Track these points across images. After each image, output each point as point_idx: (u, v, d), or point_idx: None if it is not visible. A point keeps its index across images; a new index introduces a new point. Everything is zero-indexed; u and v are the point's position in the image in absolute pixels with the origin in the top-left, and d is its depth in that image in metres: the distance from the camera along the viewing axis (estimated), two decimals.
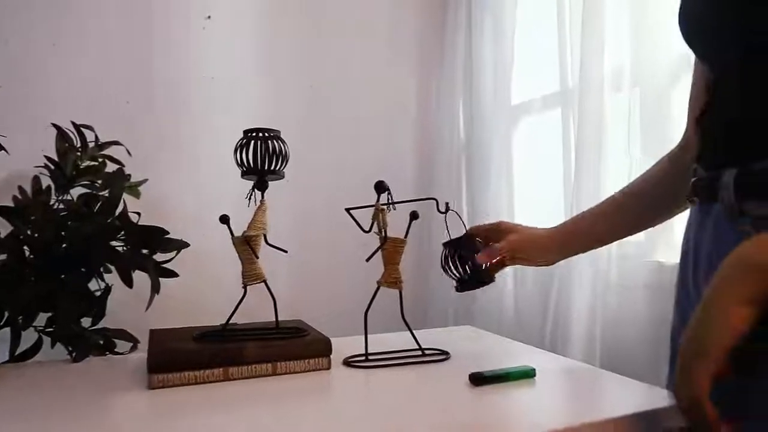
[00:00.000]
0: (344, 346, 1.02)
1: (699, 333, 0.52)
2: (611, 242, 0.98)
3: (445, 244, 0.99)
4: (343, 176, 1.72)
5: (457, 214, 0.99)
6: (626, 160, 1.23)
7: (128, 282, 1.07)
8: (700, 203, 0.68)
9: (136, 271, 1.10)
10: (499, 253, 0.94)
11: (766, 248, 0.51)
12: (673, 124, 1.13)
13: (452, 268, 0.96)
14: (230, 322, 0.97)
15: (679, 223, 1.10)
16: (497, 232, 0.97)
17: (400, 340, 1.02)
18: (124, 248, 1.10)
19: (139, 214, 1.16)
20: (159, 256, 1.13)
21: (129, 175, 1.21)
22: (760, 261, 0.50)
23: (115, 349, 1.12)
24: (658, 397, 0.77)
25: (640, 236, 1.05)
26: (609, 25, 1.26)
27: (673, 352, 0.76)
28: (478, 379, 0.81)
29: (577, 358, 1.22)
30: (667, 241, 1.17)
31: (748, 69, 0.60)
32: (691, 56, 0.80)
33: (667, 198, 0.84)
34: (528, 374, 0.85)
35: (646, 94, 1.20)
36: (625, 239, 0.96)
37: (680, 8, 0.72)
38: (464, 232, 1.00)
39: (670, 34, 1.11)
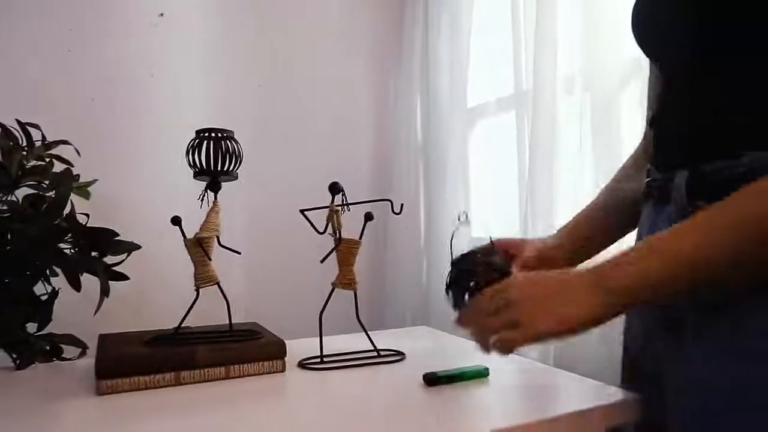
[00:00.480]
0: (300, 348, 1.01)
1: (542, 308, 0.58)
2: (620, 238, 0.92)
3: (452, 264, 0.83)
4: (299, 177, 1.71)
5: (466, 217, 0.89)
6: (578, 161, 1.26)
7: (76, 285, 1.04)
8: (653, 203, 0.70)
9: (85, 275, 1.07)
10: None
11: (620, 274, 0.56)
12: (622, 126, 1.17)
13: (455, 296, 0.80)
14: (183, 325, 0.95)
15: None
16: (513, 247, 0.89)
17: (356, 342, 1.02)
18: (72, 251, 1.07)
19: (87, 215, 1.13)
20: (110, 259, 1.10)
21: (78, 176, 1.17)
22: (609, 286, 0.56)
23: (63, 355, 1.09)
24: (606, 394, 0.79)
25: None
26: (561, 31, 1.29)
27: (625, 349, 0.78)
28: (432, 380, 0.81)
29: (532, 357, 1.24)
30: (617, 245, 1.20)
31: (698, 72, 0.61)
32: (644, 60, 0.82)
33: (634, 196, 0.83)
34: (481, 374, 0.86)
35: (597, 98, 1.23)
36: None
37: (634, 11, 0.73)
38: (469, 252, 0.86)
39: (620, 41, 1.15)
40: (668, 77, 0.69)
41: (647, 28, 0.70)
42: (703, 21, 0.58)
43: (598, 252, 0.87)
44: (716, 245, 0.52)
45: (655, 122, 0.71)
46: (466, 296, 0.74)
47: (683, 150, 0.63)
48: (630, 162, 0.86)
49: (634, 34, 0.73)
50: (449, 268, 0.80)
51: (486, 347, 0.64)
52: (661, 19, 0.66)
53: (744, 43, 0.54)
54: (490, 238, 0.84)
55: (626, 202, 0.82)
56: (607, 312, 0.58)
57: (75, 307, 1.09)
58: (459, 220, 0.81)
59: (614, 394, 0.78)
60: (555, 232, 0.90)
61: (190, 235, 0.95)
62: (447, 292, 0.78)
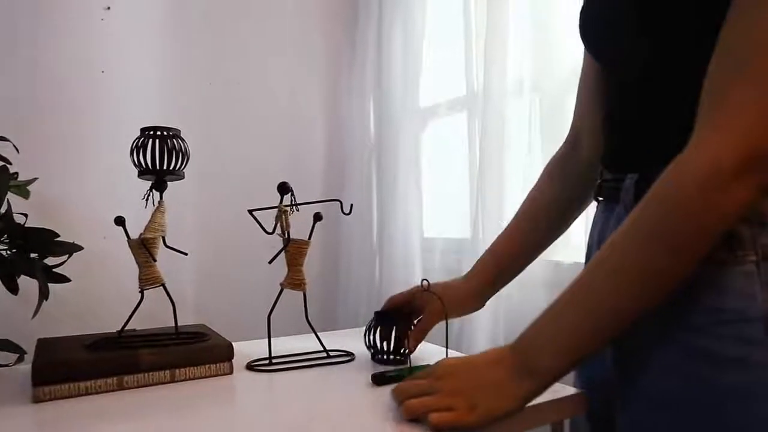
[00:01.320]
0: (249, 349, 1.00)
1: (477, 403, 0.60)
2: (531, 262, 0.94)
3: (376, 314, 0.95)
4: (250, 177, 1.69)
5: None
6: (528, 161, 1.29)
7: (12, 288, 1.00)
8: (604, 203, 0.72)
9: (24, 277, 1.03)
10: (425, 335, 0.91)
11: (544, 360, 0.59)
12: (568, 127, 1.19)
13: (372, 340, 0.93)
14: (127, 328, 0.92)
15: (576, 224, 1.16)
16: (416, 301, 0.91)
17: (307, 343, 1.01)
18: (8, 252, 1.03)
19: (26, 215, 1.09)
20: (52, 261, 1.06)
21: (16, 174, 1.13)
22: (536, 372, 0.59)
23: None
24: (553, 390, 0.80)
25: None
26: (512, 35, 1.32)
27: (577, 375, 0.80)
28: (381, 379, 0.82)
29: None
30: (565, 242, 1.23)
31: (648, 78, 0.63)
32: (581, 62, 0.84)
33: (571, 199, 0.86)
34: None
35: (546, 100, 1.26)
36: None
37: (581, 18, 0.74)
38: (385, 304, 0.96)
39: (567, 47, 1.18)
40: (619, 82, 0.70)
41: (597, 35, 0.71)
42: (653, 29, 0.60)
43: (520, 271, 0.91)
44: (626, 288, 0.54)
45: (606, 125, 0.73)
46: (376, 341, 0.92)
47: (634, 154, 0.65)
48: (553, 165, 0.89)
49: (584, 41, 0.74)
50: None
51: (412, 414, 0.65)
52: (610, 26, 0.67)
53: (692, 51, 0.56)
54: (426, 281, 0.89)
55: (549, 210, 0.86)
56: (537, 391, 0.61)
57: (12, 311, 1.05)
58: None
59: (561, 390, 0.80)
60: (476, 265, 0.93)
61: (135, 235, 0.92)
62: (366, 342, 0.94)
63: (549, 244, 0.90)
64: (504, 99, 1.33)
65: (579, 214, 0.89)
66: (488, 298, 0.94)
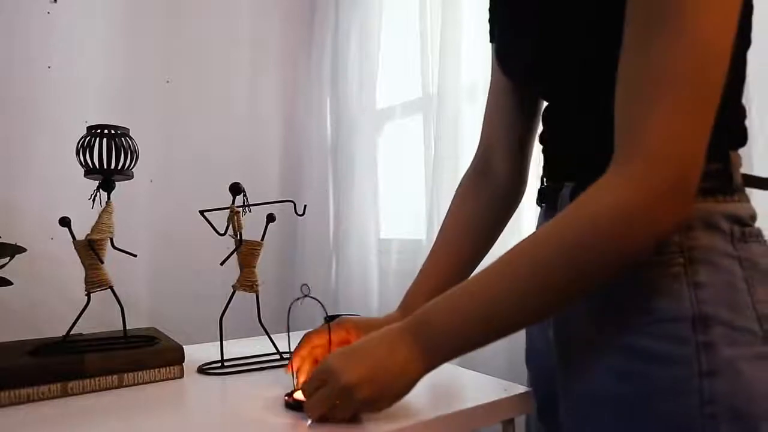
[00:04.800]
0: (201, 353, 0.98)
1: (372, 392, 0.61)
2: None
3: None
4: (205, 177, 1.65)
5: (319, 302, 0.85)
6: None
7: None
8: (545, 208, 0.74)
9: None
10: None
11: (439, 349, 0.60)
12: None
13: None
14: (74, 332, 0.90)
15: (527, 225, 1.19)
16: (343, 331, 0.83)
17: (261, 345, 1.00)
18: None
19: None
20: None
21: None
22: (429, 361, 0.61)
23: None
24: (499, 389, 0.82)
25: None
26: (466, 39, 1.34)
27: (528, 348, 0.81)
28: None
29: None
30: (514, 243, 1.25)
31: (577, 99, 0.65)
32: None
33: (490, 217, 0.86)
34: None
35: None
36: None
37: (499, 52, 0.76)
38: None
39: None
40: (550, 103, 0.73)
41: (516, 64, 0.73)
42: (584, 52, 0.61)
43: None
44: (514, 293, 0.56)
45: (543, 140, 0.75)
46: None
47: (569, 165, 0.67)
48: (467, 186, 0.88)
49: (507, 75, 0.76)
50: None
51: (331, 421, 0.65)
52: (526, 52, 0.69)
53: (611, 70, 0.58)
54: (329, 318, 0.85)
55: (471, 230, 0.85)
56: (432, 369, 0.62)
57: None
58: (302, 292, 0.80)
59: (509, 389, 0.82)
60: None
61: (81, 237, 0.90)
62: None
63: (478, 263, 0.87)
64: (458, 102, 1.35)
65: (502, 229, 0.88)
66: None
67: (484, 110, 0.88)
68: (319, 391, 0.64)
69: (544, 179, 0.75)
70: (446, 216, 0.89)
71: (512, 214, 0.88)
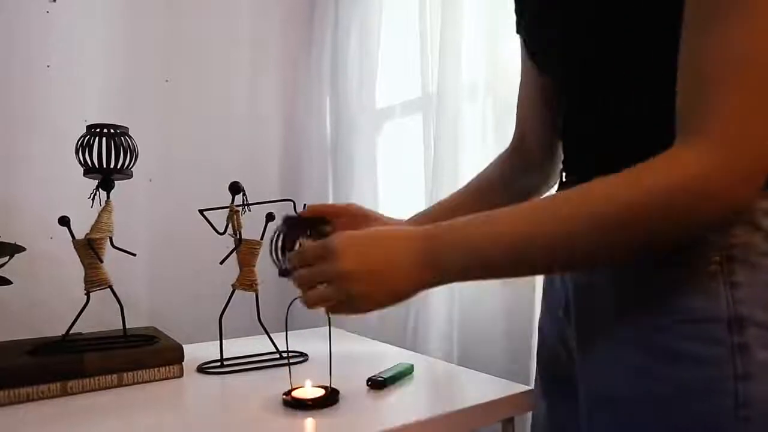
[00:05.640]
0: (200, 352, 0.98)
1: (374, 286, 0.58)
2: None
3: (284, 218, 0.77)
4: (205, 176, 1.65)
5: None
6: (481, 162, 1.30)
7: None
8: None
9: None
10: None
11: (453, 254, 0.56)
12: None
13: (275, 250, 0.76)
14: (73, 331, 0.90)
15: None
16: (347, 215, 0.81)
17: (261, 344, 1.00)
18: None
19: None
20: None
21: None
22: (441, 265, 0.56)
23: None
24: (500, 386, 0.82)
25: None
26: (466, 39, 1.33)
27: (541, 342, 0.79)
28: (378, 384, 0.81)
29: (436, 355, 1.27)
30: None
31: (599, 87, 0.64)
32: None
33: (520, 190, 0.84)
34: (410, 371, 0.89)
35: (499, 103, 1.28)
36: None
37: (526, 37, 0.75)
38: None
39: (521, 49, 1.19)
40: (570, 93, 0.72)
41: (547, 51, 0.72)
42: (605, 41, 0.61)
43: None
44: (552, 234, 0.53)
45: (564, 132, 0.74)
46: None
47: (592, 158, 0.66)
48: (502, 159, 0.87)
49: (533, 56, 0.75)
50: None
51: (311, 305, 0.62)
52: (562, 40, 0.68)
53: (643, 56, 0.57)
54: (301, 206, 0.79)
55: (498, 192, 0.84)
56: (436, 285, 0.59)
57: None
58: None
59: (512, 388, 0.82)
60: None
61: (81, 236, 0.90)
62: (271, 254, 0.74)
63: None
64: (458, 101, 1.34)
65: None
66: None
67: (518, 95, 0.86)
68: (313, 267, 0.61)
69: (563, 174, 0.75)
70: (480, 173, 0.87)
71: (544, 192, 0.85)
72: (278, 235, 0.75)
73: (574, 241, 0.53)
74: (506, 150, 0.88)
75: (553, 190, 0.83)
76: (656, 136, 0.53)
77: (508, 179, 0.85)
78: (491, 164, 0.89)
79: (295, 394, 0.74)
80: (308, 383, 0.78)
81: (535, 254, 0.55)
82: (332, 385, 0.79)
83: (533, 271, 0.59)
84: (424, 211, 0.87)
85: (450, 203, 0.87)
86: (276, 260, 0.75)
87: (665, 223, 0.51)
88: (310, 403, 0.73)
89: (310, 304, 0.62)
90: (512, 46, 1.22)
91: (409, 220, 0.86)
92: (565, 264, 0.59)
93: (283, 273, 0.73)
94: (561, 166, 0.76)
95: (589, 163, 0.67)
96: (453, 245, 0.57)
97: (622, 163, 0.53)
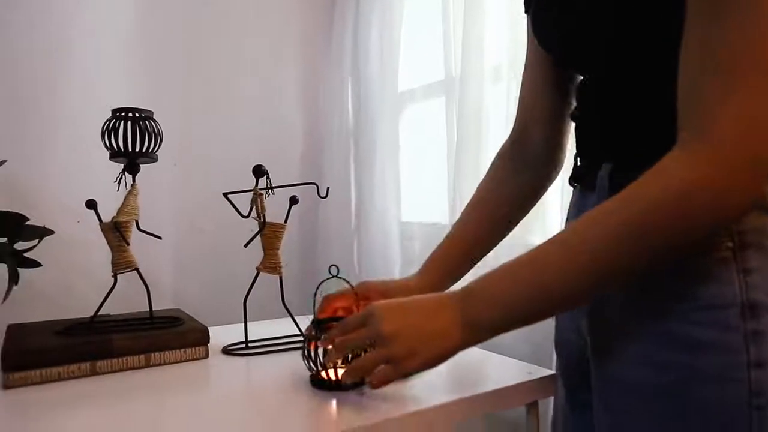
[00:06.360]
0: (226, 334, 0.99)
1: (418, 346, 0.59)
2: (487, 252, 0.89)
3: (315, 322, 0.78)
4: (228, 160, 1.66)
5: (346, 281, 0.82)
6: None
7: None
8: (579, 189, 0.72)
9: None
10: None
11: (487, 312, 0.58)
12: None
13: (308, 355, 0.74)
14: (101, 313, 0.91)
15: (551, 207, 1.17)
16: (365, 294, 0.84)
17: (284, 327, 1.01)
18: None
19: None
20: (22, 245, 1.04)
21: None
22: (477, 324, 0.59)
23: None
24: (523, 372, 0.82)
25: None
26: (489, 20, 1.31)
27: (558, 336, 0.79)
28: None
29: None
30: (539, 225, 1.24)
31: (615, 74, 0.63)
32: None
33: (524, 189, 0.85)
34: None
35: None
36: None
37: (539, 23, 0.73)
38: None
39: None
40: (585, 78, 0.71)
41: (561, 41, 0.70)
42: (624, 28, 0.59)
43: (474, 264, 0.87)
44: (581, 270, 0.54)
45: (578, 117, 0.73)
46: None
47: (608, 145, 0.65)
48: (502, 156, 0.86)
49: (542, 45, 0.73)
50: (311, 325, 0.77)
51: (354, 374, 0.64)
52: (578, 28, 0.66)
53: (656, 47, 0.56)
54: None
55: (503, 199, 0.84)
56: (477, 342, 0.61)
57: None
58: (330, 273, 0.79)
59: (534, 372, 0.82)
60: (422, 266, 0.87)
61: (107, 219, 0.91)
62: (304, 359, 0.75)
63: (505, 234, 0.87)
64: (481, 84, 1.33)
65: (536, 200, 0.87)
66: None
67: (520, 83, 0.85)
68: (354, 333, 0.63)
69: (577, 159, 0.74)
70: (480, 183, 0.87)
71: (549, 185, 0.85)
72: (308, 341, 0.75)
73: (587, 270, 0.54)
74: (504, 145, 0.87)
75: (566, 175, 0.82)
76: (675, 119, 0.52)
77: (512, 177, 0.84)
78: (492, 167, 0.88)
79: (321, 374, 0.74)
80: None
81: (567, 298, 0.57)
82: None
83: (569, 308, 0.64)
84: (437, 252, 0.86)
85: (459, 232, 0.86)
86: (310, 365, 0.75)
87: (660, 230, 0.50)
88: (336, 384, 0.73)
89: (354, 372, 0.64)
90: None
91: (424, 264, 0.86)
92: (601, 291, 0.60)
93: (321, 382, 0.74)
94: (573, 151, 0.75)
95: (604, 145, 0.66)
96: (486, 304, 0.59)
97: (640, 145, 0.52)
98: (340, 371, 0.73)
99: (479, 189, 0.87)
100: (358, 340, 0.63)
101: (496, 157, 0.87)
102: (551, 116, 0.80)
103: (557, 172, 0.84)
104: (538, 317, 0.59)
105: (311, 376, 0.76)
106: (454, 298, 0.61)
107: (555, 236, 0.57)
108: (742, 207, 0.49)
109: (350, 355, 0.69)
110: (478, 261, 0.87)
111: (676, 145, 0.51)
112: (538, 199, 0.87)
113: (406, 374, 0.61)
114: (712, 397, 0.52)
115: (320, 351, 0.73)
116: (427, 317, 0.61)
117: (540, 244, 0.57)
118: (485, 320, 0.59)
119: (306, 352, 0.74)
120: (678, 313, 0.55)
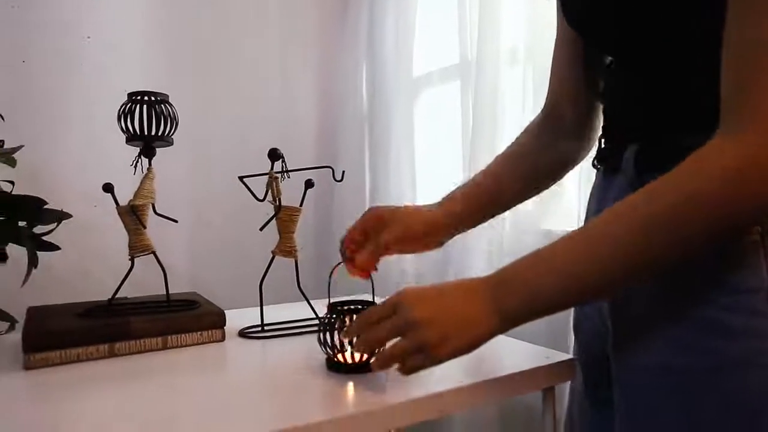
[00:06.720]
0: (242, 317, 1.00)
1: (449, 333, 0.59)
2: (506, 209, 0.90)
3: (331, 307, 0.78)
4: (243, 144, 1.66)
5: None
6: (520, 130, 1.27)
7: (1, 257, 0.99)
8: (603, 173, 0.71)
9: (13, 245, 1.01)
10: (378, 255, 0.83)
11: (516, 301, 0.58)
12: None
13: (325, 340, 0.74)
14: (118, 296, 0.92)
15: (569, 191, 1.16)
16: (374, 227, 0.84)
17: (300, 310, 1.01)
18: None
19: (12, 183, 1.07)
20: (40, 229, 1.05)
21: (2, 142, 1.11)
22: (507, 313, 0.58)
23: None
24: (540, 356, 0.81)
25: (528, 204, 1.08)
26: (505, 4, 1.29)
27: (577, 320, 0.78)
28: None
29: None
30: (556, 209, 1.22)
31: (643, 54, 0.62)
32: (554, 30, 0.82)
33: (537, 169, 0.84)
34: None
35: (539, 69, 1.24)
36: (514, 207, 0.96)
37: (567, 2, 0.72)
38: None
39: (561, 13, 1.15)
40: (612, 58, 0.69)
41: (589, 16, 0.69)
42: (652, 7, 0.58)
43: (487, 219, 0.88)
44: (609, 260, 0.53)
45: (605, 97, 0.72)
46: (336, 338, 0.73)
47: (634, 126, 0.64)
48: (533, 127, 0.86)
49: (573, 22, 0.72)
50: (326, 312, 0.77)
51: (384, 364, 0.63)
52: (605, 8, 0.65)
53: (687, 27, 0.55)
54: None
55: (530, 162, 0.83)
56: (505, 330, 0.60)
57: (2, 280, 1.04)
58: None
59: (552, 356, 0.81)
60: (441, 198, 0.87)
61: (124, 203, 0.91)
62: (320, 344, 0.75)
63: (526, 197, 0.87)
64: (497, 68, 1.31)
65: (562, 173, 0.86)
66: (451, 235, 0.86)
67: (551, 61, 0.84)
68: (381, 324, 0.62)
69: (602, 140, 0.72)
70: (508, 147, 0.87)
71: (578, 161, 0.84)
72: (327, 325, 0.74)
73: (642, 264, 0.52)
74: (537, 117, 0.86)
75: (591, 155, 0.80)
76: (707, 104, 0.51)
77: (544, 144, 0.83)
78: (524, 131, 0.87)
79: (337, 357, 0.74)
80: (350, 348, 0.78)
81: (601, 288, 0.56)
82: None
83: (602, 300, 0.63)
84: (459, 187, 0.87)
85: (490, 181, 0.86)
86: (327, 348, 0.74)
87: (701, 217, 0.49)
88: (353, 366, 0.73)
89: (385, 361, 0.62)
90: (554, 9, 1.18)
91: (443, 199, 0.86)
92: (636, 283, 0.59)
93: (333, 360, 0.74)
94: (600, 132, 0.74)
95: (630, 127, 0.65)
96: (517, 292, 0.58)
97: (666, 127, 0.51)
98: (356, 357, 0.73)
99: (511, 148, 0.86)
100: (389, 332, 0.62)
101: (530, 124, 0.86)
102: (582, 94, 0.79)
103: (587, 151, 0.83)
104: (568, 306, 0.60)
105: (327, 359, 0.76)
106: (484, 286, 0.60)
107: (588, 224, 0.56)
108: None
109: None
110: (492, 218, 0.88)
111: (717, 136, 0.49)
112: (566, 170, 0.86)
113: (438, 362, 0.60)
114: (738, 384, 0.52)
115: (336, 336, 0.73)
116: (458, 304, 0.60)
117: (571, 232, 0.56)
118: (517, 309, 0.58)
119: (322, 337, 0.74)
120: (706, 298, 0.54)
